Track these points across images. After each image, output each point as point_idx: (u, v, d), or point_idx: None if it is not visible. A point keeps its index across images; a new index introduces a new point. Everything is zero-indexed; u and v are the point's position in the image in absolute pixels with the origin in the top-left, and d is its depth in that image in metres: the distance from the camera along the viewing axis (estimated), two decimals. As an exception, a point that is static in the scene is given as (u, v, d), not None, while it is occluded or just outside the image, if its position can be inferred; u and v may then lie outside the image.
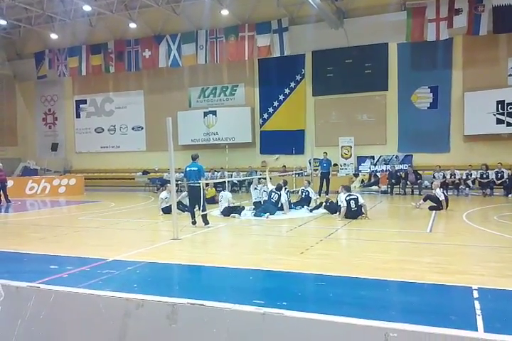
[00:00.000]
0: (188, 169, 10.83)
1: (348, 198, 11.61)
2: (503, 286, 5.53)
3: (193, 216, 10.75)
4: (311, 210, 12.90)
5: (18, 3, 21.52)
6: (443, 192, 13.06)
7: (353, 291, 5.59)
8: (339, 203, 11.72)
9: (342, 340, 2.65)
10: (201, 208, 10.67)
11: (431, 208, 12.80)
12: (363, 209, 11.63)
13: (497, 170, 17.14)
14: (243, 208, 12.87)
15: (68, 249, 8.49)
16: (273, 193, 12.84)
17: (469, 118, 19.00)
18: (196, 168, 10.73)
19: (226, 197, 12.92)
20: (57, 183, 21.43)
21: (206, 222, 10.71)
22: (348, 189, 12.13)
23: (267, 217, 12.04)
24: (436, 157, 19.19)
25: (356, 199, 11.58)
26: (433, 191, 13.36)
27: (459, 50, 19.48)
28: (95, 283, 5.91)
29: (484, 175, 17.29)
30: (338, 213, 11.77)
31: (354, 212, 11.49)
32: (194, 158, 10.97)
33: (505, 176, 16.89)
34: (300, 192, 14.33)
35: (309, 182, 14.87)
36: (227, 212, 12.56)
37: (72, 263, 7.26)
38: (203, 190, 10.72)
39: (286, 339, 2.75)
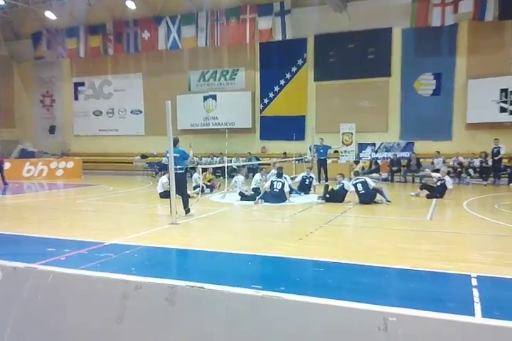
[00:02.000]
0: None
1: (354, 182, 11.85)
2: (502, 274, 5.51)
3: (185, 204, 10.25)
4: (322, 198, 12.29)
5: (15, -18, 21.17)
6: (441, 179, 12.87)
7: (352, 277, 5.58)
8: (348, 188, 11.90)
9: (341, 324, 2.61)
10: (182, 198, 10.14)
11: (429, 196, 12.72)
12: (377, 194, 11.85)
13: (493, 146, 16.78)
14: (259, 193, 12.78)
15: (66, 231, 8.46)
16: (275, 182, 12.41)
17: (472, 106, 18.85)
18: (178, 154, 9.98)
19: (240, 182, 13.12)
20: (55, 166, 21.34)
21: (187, 211, 10.11)
22: (356, 173, 12.62)
23: (257, 203, 11.97)
24: (438, 145, 19.08)
25: (364, 182, 11.82)
26: (434, 178, 13.19)
27: (464, 37, 19.23)
28: (93, 266, 5.87)
29: (483, 164, 17.19)
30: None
31: (364, 195, 11.70)
32: (175, 143, 9.94)
33: (502, 152, 16.57)
34: (301, 179, 14.20)
35: (311, 169, 14.82)
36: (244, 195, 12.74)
37: (70, 246, 7.22)
38: (184, 177, 10.38)
39: (284, 322, 2.71)
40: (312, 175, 14.34)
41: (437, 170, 12.89)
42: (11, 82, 28.66)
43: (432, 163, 18.09)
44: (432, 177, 12.85)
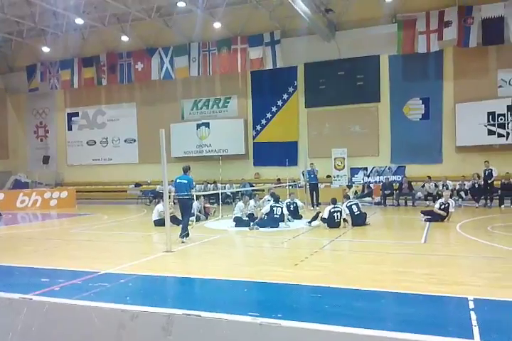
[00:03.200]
0: (178, 181, 10.63)
1: (348, 204, 12.14)
2: (499, 297, 5.52)
3: (185, 229, 10.57)
4: (309, 222, 12.59)
5: (9, 17, 21.55)
6: (444, 203, 12.88)
7: (349, 303, 5.55)
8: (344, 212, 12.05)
9: (341, 350, 2.61)
10: (185, 219, 10.44)
11: (431, 220, 12.62)
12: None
13: (485, 168, 16.82)
14: (256, 218, 12.90)
15: (60, 261, 8.38)
16: (275, 208, 12.60)
17: (461, 129, 19.17)
18: (186, 181, 10.47)
19: (238, 207, 13.17)
20: (49, 196, 21.25)
21: (183, 236, 10.20)
22: (347, 197, 12.88)
23: (257, 229, 11.97)
24: (429, 168, 19.27)
25: (358, 205, 12.28)
26: (436, 204, 13.12)
27: (450, 62, 19.73)
28: (87, 296, 5.82)
29: (476, 185, 17.30)
30: (345, 223, 12.00)
31: (359, 217, 12.06)
32: (185, 170, 10.76)
33: (494, 174, 16.63)
34: (287, 205, 14.17)
35: (293, 193, 15.04)
36: (239, 221, 12.73)
37: (64, 276, 7.16)
38: (191, 203, 10.60)
39: (284, 349, 2.70)
40: (296, 200, 14.42)
41: (443, 207, 12.77)
42: (5, 114, 28.84)
43: (423, 186, 18.18)
44: (438, 212, 12.79)
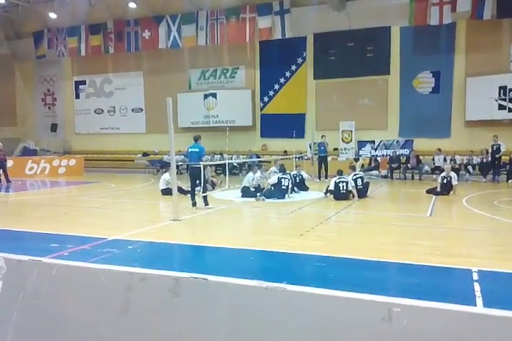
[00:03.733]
0: (190, 150, 10.85)
1: (354, 177, 12.20)
2: (503, 269, 5.56)
3: (193, 197, 10.77)
4: (325, 193, 12.54)
5: (16, -19, 21.19)
6: (446, 177, 12.87)
7: (353, 272, 5.62)
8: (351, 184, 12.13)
9: (345, 314, 2.64)
10: (202, 189, 10.66)
11: (436, 193, 12.63)
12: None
13: (493, 142, 16.66)
14: (262, 189, 12.95)
15: (68, 228, 8.50)
16: (283, 179, 12.62)
17: (471, 103, 18.90)
18: (198, 149, 10.73)
19: (247, 178, 13.21)
20: (57, 164, 21.38)
21: (206, 203, 10.72)
22: (353, 168, 13.08)
23: (263, 200, 12.05)
24: (436, 142, 19.10)
25: (362, 178, 12.37)
26: (438, 179, 13.10)
27: (462, 35, 19.28)
28: (96, 261, 5.90)
29: (484, 160, 17.20)
30: (351, 195, 12.10)
31: (362, 191, 12.18)
32: (196, 139, 10.94)
33: (502, 149, 16.52)
34: (293, 177, 14.22)
35: (299, 166, 15.01)
36: (245, 192, 12.79)
37: (73, 242, 7.27)
38: (204, 170, 10.70)
39: (289, 313, 2.74)
40: (302, 172, 14.46)
41: (446, 181, 12.76)
42: (13, 81, 28.73)
43: (433, 159, 18.10)
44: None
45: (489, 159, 16.90)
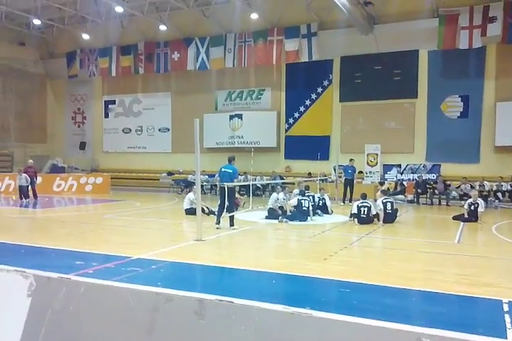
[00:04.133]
0: (222, 170, 10.97)
1: (384, 201, 12.07)
2: (535, 300, 5.37)
3: (219, 216, 10.80)
4: (350, 217, 12.43)
5: (52, 4, 22.07)
6: (473, 203, 12.60)
7: (378, 299, 5.50)
8: (377, 208, 12.02)
9: (373, 344, 2.59)
10: (227, 209, 10.70)
11: (464, 220, 12.38)
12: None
13: None
14: (285, 210, 12.94)
15: (93, 245, 8.61)
16: (303, 201, 12.67)
17: (501, 128, 18.60)
18: (231, 170, 10.89)
19: (272, 198, 13.22)
20: (84, 181, 21.80)
21: (232, 224, 10.76)
22: (385, 193, 12.87)
23: (286, 222, 12.01)
24: (465, 167, 18.81)
25: (392, 203, 12.19)
26: (465, 205, 12.83)
27: (493, 59, 19.13)
28: (119, 279, 5.93)
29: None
30: (376, 219, 11.96)
31: (390, 215, 11.99)
32: (230, 160, 11.15)
33: None
34: (317, 200, 14.19)
35: (323, 189, 14.97)
36: (271, 214, 12.78)
37: (97, 260, 7.35)
38: (233, 191, 10.76)
39: (314, 339, 2.71)
40: (325, 196, 14.42)
41: (473, 208, 12.51)
42: (45, 99, 29.64)
43: (459, 187, 17.76)
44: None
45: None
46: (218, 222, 10.75)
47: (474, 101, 19.47)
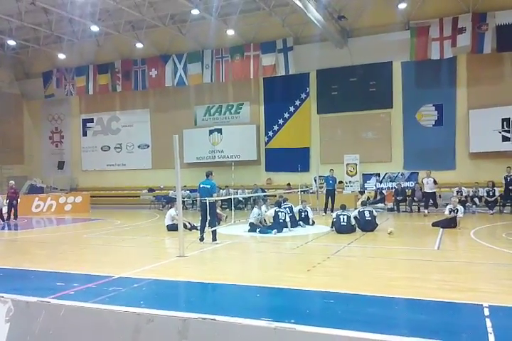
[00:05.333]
0: (201, 186, 10.95)
1: (361, 210, 12.41)
2: (514, 304, 5.47)
3: (201, 232, 10.76)
4: (332, 227, 12.56)
5: (26, 24, 21.94)
6: (453, 209, 12.84)
7: (362, 309, 5.53)
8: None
9: (356, 355, 2.61)
10: (209, 224, 10.67)
11: (444, 226, 12.57)
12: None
13: (506, 174, 17.01)
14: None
15: (74, 266, 8.47)
16: (280, 213, 12.87)
17: (475, 135, 19.03)
18: (208, 185, 10.86)
19: (253, 214, 13.24)
20: (64, 201, 21.50)
21: (214, 238, 10.73)
22: (364, 204, 13.26)
23: (275, 234, 12.05)
24: (442, 174, 19.08)
25: (371, 212, 12.44)
26: (446, 211, 13.05)
27: (463, 68, 19.64)
28: (101, 300, 5.86)
29: (490, 193, 17.19)
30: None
31: (368, 223, 12.23)
32: (207, 175, 11.11)
33: (497, 194, 17.07)
34: (298, 212, 14.29)
35: (305, 201, 15.06)
36: (252, 227, 12.81)
37: (78, 280, 7.24)
38: (214, 206, 10.75)
39: (298, 354, 2.71)
40: (307, 208, 14.53)
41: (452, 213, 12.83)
42: (21, 119, 29.29)
43: (422, 182, 17.93)
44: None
45: (494, 192, 16.98)
46: (202, 238, 10.70)
47: (448, 110, 19.90)
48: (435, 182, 16.97)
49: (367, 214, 12.30)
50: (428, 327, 4.79)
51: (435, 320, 5.03)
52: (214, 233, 10.79)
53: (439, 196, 17.91)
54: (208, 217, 10.54)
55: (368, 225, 12.23)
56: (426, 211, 16.79)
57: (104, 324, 3.23)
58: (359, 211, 12.43)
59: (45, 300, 3.63)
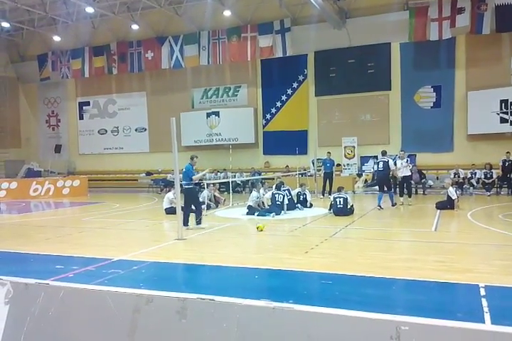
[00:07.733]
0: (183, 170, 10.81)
1: (337, 196, 12.46)
2: (510, 283, 5.52)
3: (185, 218, 10.46)
4: (330, 210, 12.67)
5: (20, 6, 21.57)
6: (456, 191, 12.98)
7: (359, 289, 5.59)
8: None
9: (353, 333, 2.64)
10: (197, 216, 10.60)
11: (440, 207, 12.70)
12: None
13: (504, 158, 17.10)
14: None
15: (73, 249, 8.50)
16: (277, 195, 12.93)
17: (473, 117, 18.97)
18: (184, 169, 10.60)
19: (252, 197, 13.23)
20: (61, 185, 21.47)
21: (198, 222, 10.55)
22: (339, 189, 13.20)
23: (273, 216, 12.10)
24: (439, 156, 19.14)
25: (345, 199, 12.30)
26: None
27: (462, 49, 19.46)
28: (101, 282, 5.90)
29: (488, 175, 17.24)
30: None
31: (340, 210, 12.20)
32: (191, 159, 10.91)
33: (494, 176, 17.06)
34: (297, 195, 14.31)
35: (304, 184, 15.03)
36: (250, 210, 12.83)
37: (78, 263, 7.27)
38: (192, 191, 10.68)
39: (296, 333, 2.74)
40: (306, 191, 14.54)
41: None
42: (17, 103, 29.05)
43: (437, 178, 18.08)
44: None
45: (492, 174, 17.03)
46: (186, 223, 10.32)
47: (446, 91, 19.79)
48: (410, 164, 15.36)
49: (339, 201, 12.26)
50: (424, 307, 4.84)
51: (431, 300, 5.09)
52: (198, 216, 10.56)
53: (437, 178, 17.95)
54: (194, 202, 10.50)
55: (339, 212, 12.18)
56: (401, 199, 14.40)
57: (103, 305, 3.25)
58: (334, 197, 12.47)
59: (44, 282, 3.64)
